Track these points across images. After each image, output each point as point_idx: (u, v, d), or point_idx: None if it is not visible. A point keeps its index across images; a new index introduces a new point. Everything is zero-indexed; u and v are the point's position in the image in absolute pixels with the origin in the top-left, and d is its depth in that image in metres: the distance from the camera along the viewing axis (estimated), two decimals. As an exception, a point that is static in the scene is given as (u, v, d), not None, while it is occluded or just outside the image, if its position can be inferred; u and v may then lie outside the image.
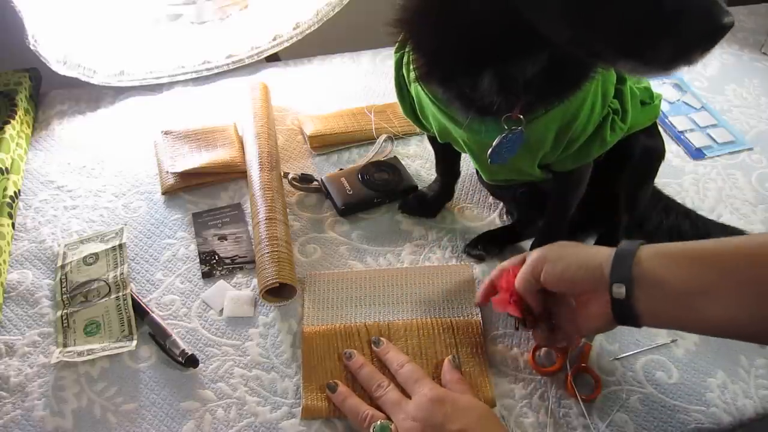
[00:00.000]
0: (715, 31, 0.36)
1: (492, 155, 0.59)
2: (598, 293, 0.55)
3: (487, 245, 0.77)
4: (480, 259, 0.76)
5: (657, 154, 0.74)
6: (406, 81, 0.66)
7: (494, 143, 0.58)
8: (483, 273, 0.74)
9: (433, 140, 0.75)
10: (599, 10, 0.40)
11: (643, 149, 0.70)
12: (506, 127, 0.57)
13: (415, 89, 0.65)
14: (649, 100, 0.67)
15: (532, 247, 0.74)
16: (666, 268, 0.52)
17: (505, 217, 0.81)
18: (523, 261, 0.62)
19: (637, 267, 0.53)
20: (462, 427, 0.54)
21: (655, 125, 0.72)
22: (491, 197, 0.84)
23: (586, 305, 0.58)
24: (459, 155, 0.78)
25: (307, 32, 1.06)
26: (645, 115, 0.67)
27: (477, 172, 0.82)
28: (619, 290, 0.53)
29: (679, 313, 0.52)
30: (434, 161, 0.82)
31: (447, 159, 0.79)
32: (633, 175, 0.72)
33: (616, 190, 0.73)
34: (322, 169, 0.86)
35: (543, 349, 0.66)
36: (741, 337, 0.55)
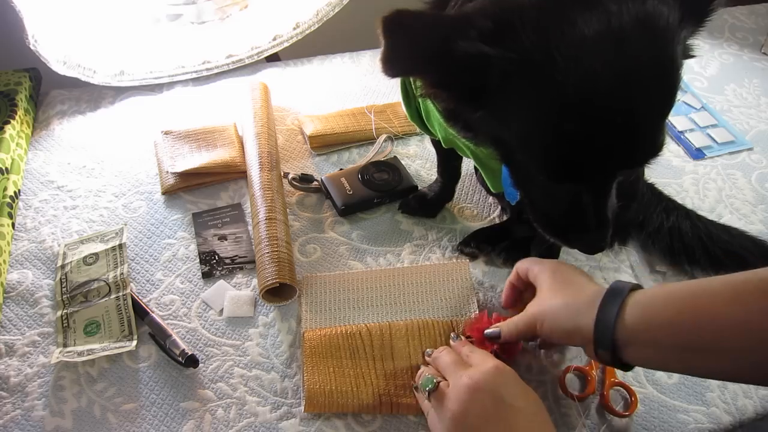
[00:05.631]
0: (592, 252, 0.56)
1: (508, 193, 0.61)
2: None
3: (481, 243, 0.77)
4: (473, 256, 0.76)
5: None
6: (413, 87, 0.65)
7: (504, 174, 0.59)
8: (482, 272, 0.74)
9: (435, 143, 0.75)
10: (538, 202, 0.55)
11: None
12: None
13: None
14: None
15: (534, 249, 0.74)
16: (656, 327, 0.50)
17: (504, 217, 0.81)
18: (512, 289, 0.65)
19: (621, 332, 0.51)
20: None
21: None
22: (491, 197, 0.84)
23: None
24: (461, 158, 0.78)
25: (307, 32, 1.06)
26: None
27: (476, 171, 0.82)
28: (605, 354, 0.52)
29: (674, 365, 0.52)
30: (434, 161, 0.82)
31: (449, 161, 0.79)
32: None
33: None
34: (322, 169, 0.86)
35: (570, 375, 0.65)
36: (747, 382, 0.55)
